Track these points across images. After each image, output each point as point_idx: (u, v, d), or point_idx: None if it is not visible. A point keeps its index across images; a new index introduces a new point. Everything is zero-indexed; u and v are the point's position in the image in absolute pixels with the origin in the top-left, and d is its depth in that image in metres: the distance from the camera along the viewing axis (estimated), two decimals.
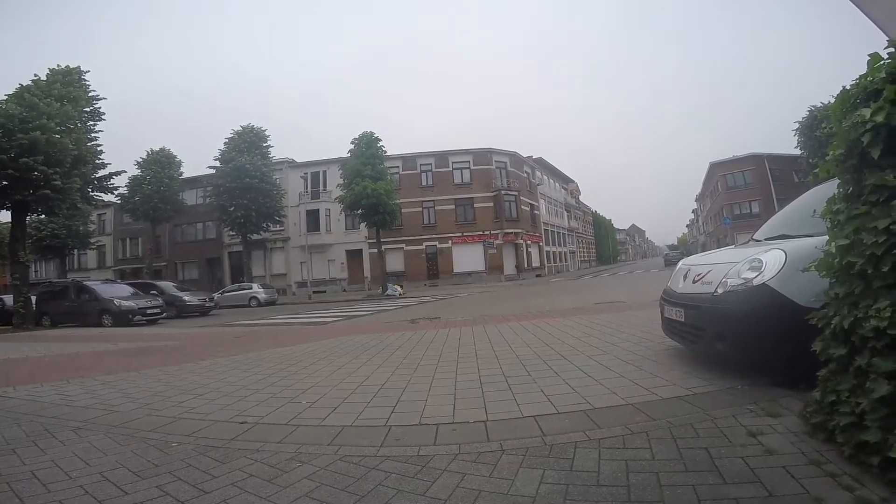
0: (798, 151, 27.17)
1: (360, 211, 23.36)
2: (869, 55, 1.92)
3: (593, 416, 2.57)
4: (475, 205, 32.41)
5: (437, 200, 32.34)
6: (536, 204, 39.68)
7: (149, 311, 14.35)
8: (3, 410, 3.65)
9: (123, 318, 13.53)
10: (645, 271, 30.23)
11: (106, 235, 37.00)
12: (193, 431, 2.83)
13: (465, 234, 31.76)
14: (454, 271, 31.21)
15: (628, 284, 17.71)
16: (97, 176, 19.18)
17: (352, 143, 24.50)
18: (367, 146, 24.10)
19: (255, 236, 27.96)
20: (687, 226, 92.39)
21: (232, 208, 26.06)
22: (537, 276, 34.95)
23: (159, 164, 28.30)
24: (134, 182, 27.52)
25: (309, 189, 32.75)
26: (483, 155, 33.29)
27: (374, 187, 22.49)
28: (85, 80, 17.59)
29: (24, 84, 15.30)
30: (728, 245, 5.55)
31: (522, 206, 34.89)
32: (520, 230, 33.60)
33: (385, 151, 25.17)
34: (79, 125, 16.81)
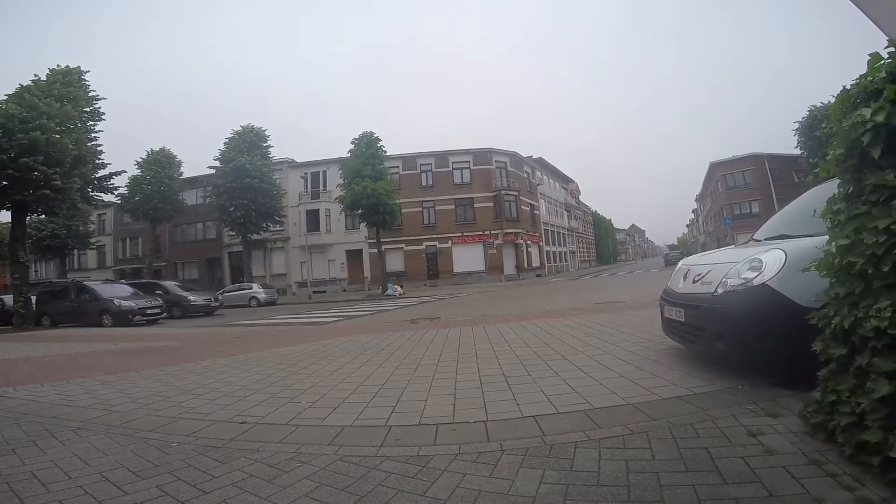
0: (798, 151, 27.14)
1: (360, 211, 23.38)
2: (869, 55, 1.92)
3: (593, 416, 2.57)
4: (475, 205, 32.39)
5: (437, 200, 32.33)
6: (536, 204, 39.67)
7: (149, 311, 14.37)
8: (3, 410, 3.65)
9: (123, 318, 13.55)
10: (645, 271, 30.21)
11: (106, 235, 37.00)
12: (193, 431, 2.83)
13: (465, 234, 31.75)
14: (454, 271, 31.20)
15: (628, 284, 17.71)
16: (97, 176, 19.17)
17: (352, 143, 24.52)
18: (367, 146, 24.11)
19: (255, 236, 27.95)
20: (687, 226, 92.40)
21: (232, 208, 26.06)
22: (537, 276, 34.93)
23: (159, 164, 28.31)
24: (134, 182, 27.53)
25: (309, 189, 32.74)
26: (483, 155, 33.28)
27: (374, 187, 22.51)
28: (85, 80, 17.58)
29: (24, 84, 15.30)
30: (728, 245, 5.54)
31: (522, 206, 34.87)
32: (520, 230, 33.59)
33: (385, 151, 25.18)
34: (79, 125, 16.80)
